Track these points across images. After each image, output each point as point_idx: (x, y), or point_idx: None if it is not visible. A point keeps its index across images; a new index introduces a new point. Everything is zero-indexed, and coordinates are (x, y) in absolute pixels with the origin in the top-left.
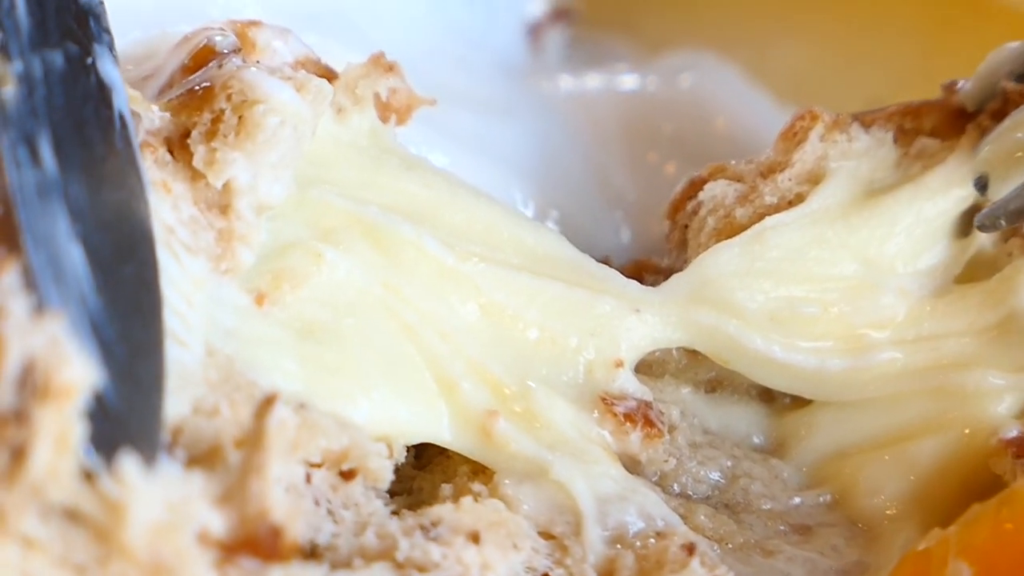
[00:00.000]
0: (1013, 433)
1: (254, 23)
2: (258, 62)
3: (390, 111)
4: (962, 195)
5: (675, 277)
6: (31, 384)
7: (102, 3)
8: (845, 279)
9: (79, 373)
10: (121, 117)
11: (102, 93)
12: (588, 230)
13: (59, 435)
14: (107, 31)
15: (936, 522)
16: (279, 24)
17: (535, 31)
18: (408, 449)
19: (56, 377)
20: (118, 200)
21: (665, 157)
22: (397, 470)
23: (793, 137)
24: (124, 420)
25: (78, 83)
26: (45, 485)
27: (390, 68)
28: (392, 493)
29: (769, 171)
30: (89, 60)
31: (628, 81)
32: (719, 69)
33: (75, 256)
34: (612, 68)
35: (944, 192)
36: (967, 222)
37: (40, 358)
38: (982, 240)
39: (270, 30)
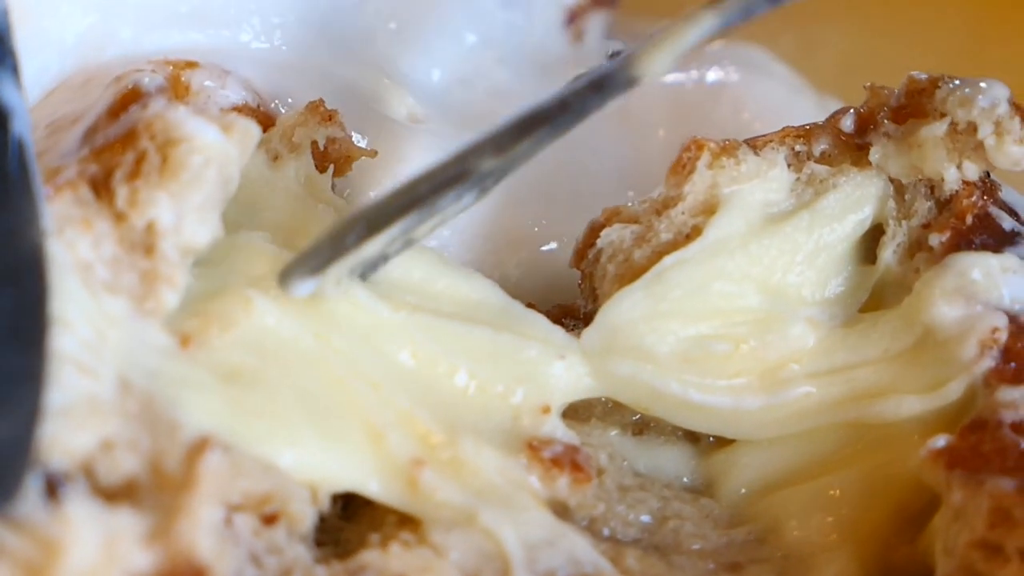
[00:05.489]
0: (941, 443)
1: (191, 64)
2: (187, 103)
3: (328, 160)
4: (858, 220)
5: (586, 331)
6: None
7: (7, 25)
8: (752, 311)
9: None
10: (20, 142)
11: None
12: None
13: None
14: (11, 53)
15: (871, 551)
16: (219, 65)
17: (573, 17)
18: (336, 500)
19: None
20: (2, 224)
21: None
22: (324, 520)
23: (682, 169)
24: None
25: None
26: None
27: (329, 117)
28: (319, 544)
29: (663, 207)
30: None
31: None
32: (766, 67)
33: None
34: None
35: (840, 218)
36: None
37: None
38: (887, 260)
39: (206, 71)
